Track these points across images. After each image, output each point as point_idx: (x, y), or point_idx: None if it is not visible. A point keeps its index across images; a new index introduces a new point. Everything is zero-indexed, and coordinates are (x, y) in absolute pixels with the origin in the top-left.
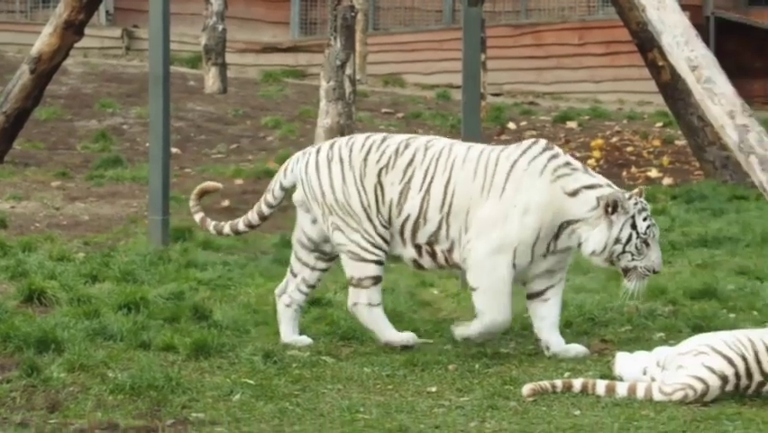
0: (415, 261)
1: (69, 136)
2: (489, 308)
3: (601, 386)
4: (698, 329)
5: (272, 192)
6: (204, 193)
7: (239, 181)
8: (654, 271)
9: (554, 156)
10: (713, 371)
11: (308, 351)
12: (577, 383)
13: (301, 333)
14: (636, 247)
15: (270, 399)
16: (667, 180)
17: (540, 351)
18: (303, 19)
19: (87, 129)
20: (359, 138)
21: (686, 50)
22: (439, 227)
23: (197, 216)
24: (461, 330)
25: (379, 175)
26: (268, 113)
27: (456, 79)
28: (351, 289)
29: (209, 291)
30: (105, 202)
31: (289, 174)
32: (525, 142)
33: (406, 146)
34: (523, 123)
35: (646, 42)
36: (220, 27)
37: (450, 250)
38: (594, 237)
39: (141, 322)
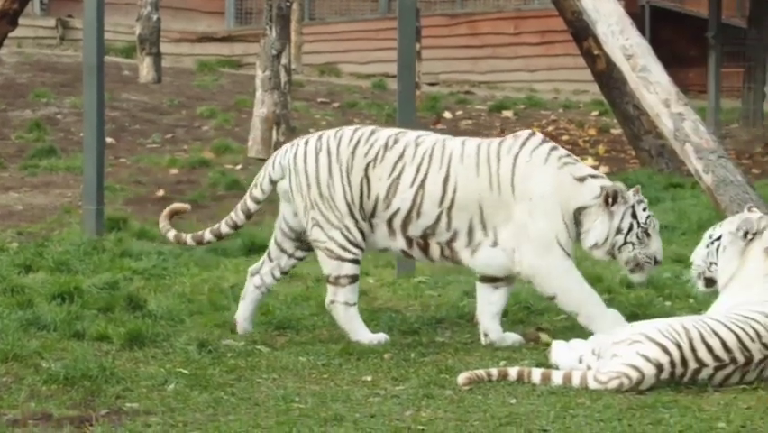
0: (404, 252)
1: (3, 126)
2: (578, 305)
3: (537, 374)
4: (634, 317)
5: (260, 186)
6: (173, 214)
7: (174, 171)
8: (657, 261)
9: (555, 147)
10: (648, 359)
11: (243, 340)
12: (513, 372)
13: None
14: (638, 237)
15: (205, 388)
16: (603, 169)
17: (475, 340)
18: (238, 9)
19: (22, 119)
20: (347, 131)
21: (621, 38)
22: (437, 221)
23: (170, 235)
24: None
25: (366, 169)
26: (203, 102)
27: (392, 69)
28: (329, 286)
29: (144, 281)
30: (39, 192)
31: (278, 166)
32: (522, 134)
33: (396, 141)
34: (459, 112)
35: (581, 32)
36: (154, 17)
37: (451, 241)
38: (596, 229)
39: (75, 312)
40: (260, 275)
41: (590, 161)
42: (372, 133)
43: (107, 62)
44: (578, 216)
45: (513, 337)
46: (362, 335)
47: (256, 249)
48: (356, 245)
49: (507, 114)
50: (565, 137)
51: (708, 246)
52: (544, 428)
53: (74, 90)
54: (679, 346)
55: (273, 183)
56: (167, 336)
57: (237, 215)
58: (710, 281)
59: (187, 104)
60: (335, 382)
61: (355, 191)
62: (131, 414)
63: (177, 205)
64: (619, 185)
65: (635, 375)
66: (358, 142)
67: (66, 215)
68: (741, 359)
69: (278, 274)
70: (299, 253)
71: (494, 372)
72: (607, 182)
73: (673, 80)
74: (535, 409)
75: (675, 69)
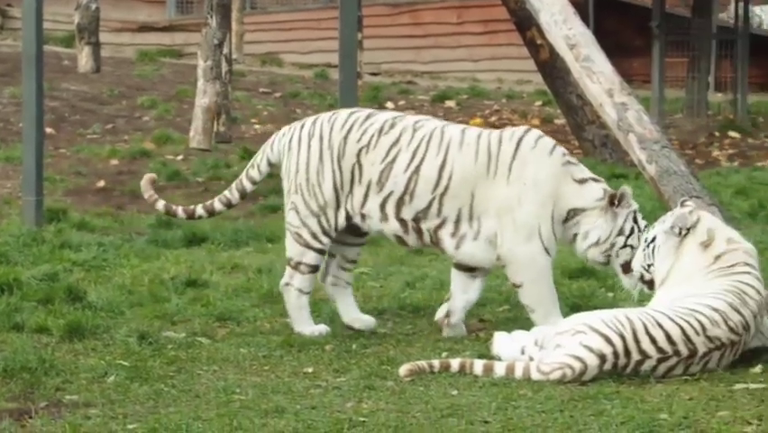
0: (398, 237)
1: None
2: (539, 300)
3: (479, 366)
4: (576, 308)
5: (257, 167)
6: (153, 181)
7: (114, 162)
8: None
9: (557, 144)
10: (591, 350)
11: (184, 332)
12: (455, 363)
13: (175, 314)
14: (637, 241)
15: (145, 380)
16: None
17: (417, 331)
18: None
19: None
20: (342, 114)
21: (564, 28)
22: (429, 206)
23: (159, 205)
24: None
25: (358, 155)
26: (144, 92)
27: (334, 59)
28: (288, 268)
29: (83, 272)
30: None
31: (275, 149)
32: (523, 127)
33: (392, 125)
34: (401, 102)
35: (525, 21)
36: (93, 6)
37: (439, 227)
38: (599, 227)
39: (15, 304)
40: (331, 275)
41: None
42: (368, 117)
43: (47, 52)
44: (571, 217)
45: (461, 330)
46: (305, 327)
47: (197, 240)
48: (328, 235)
49: (450, 104)
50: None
51: (644, 250)
52: (485, 419)
53: (13, 80)
54: (622, 337)
55: (270, 165)
56: (107, 327)
57: (232, 193)
58: (651, 283)
59: (128, 94)
60: (276, 373)
61: (346, 177)
62: (70, 406)
63: (150, 174)
64: (626, 189)
65: (577, 366)
66: (351, 127)
67: (5, 206)
68: (685, 352)
69: (347, 265)
70: (357, 240)
71: (436, 363)
72: (608, 187)
73: (617, 70)
74: (477, 400)
75: (619, 59)
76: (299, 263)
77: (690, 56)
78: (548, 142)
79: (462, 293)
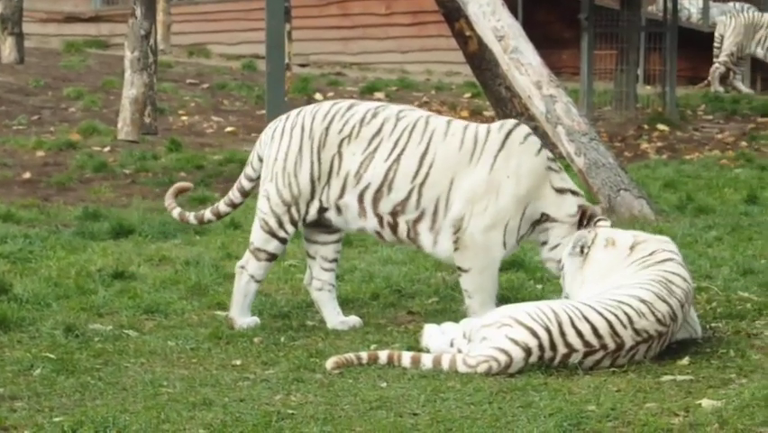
0: (377, 232)
1: None
2: (481, 288)
3: (407, 358)
4: (505, 300)
5: (251, 164)
6: (179, 192)
7: (40, 153)
8: None
9: (544, 146)
10: (516, 343)
11: (111, 325)
12: (383, 355)
13: (102, 307)
14: None
15: (72, 373)
16: None
17: None
18: None
19: None
20: (324, 105)
21: (492, 19)
22: (408, 197)
23: (175, 213)
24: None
25: (339, 146)
26: (70, 84)
27: (262, 50)
28: (248, 252)
29: (9, 265)
30: None
31: (262, 141)
32: (513, 120)
33: (374, 115)
34: (330, 93)
35: (453, 12)
36: None
37: (417, 221)
38: (564, 247)
39: None
40: (315, 278)
41: None
42: (350, 107)
43: None
44: (544, 221)
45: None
46: (239, 315)
47: (124, 232)
48: (294, 225)
49: (379, 95)
50: None
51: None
52: (414, 411)
53: None
54: (548, 330)
55: (261, 159)
56: (33, 320)
57: (234, 193)
58: None
59: (54, 85)
60: (204, 366)
61: (324, 168)
62: None
63: (181, 184)
64: (595, 209)
65: (503, 359)
66: (333, 117)
67: None
68: (612, 345)
69: (328, 266)
70: (331, 237)
71: (364, 355)
72: (584, 201)
73: (546, 62)
74: (406, 392)
75: (548, 51)
76: (260, 249)
77: (618, 48)
78: (536, 141)
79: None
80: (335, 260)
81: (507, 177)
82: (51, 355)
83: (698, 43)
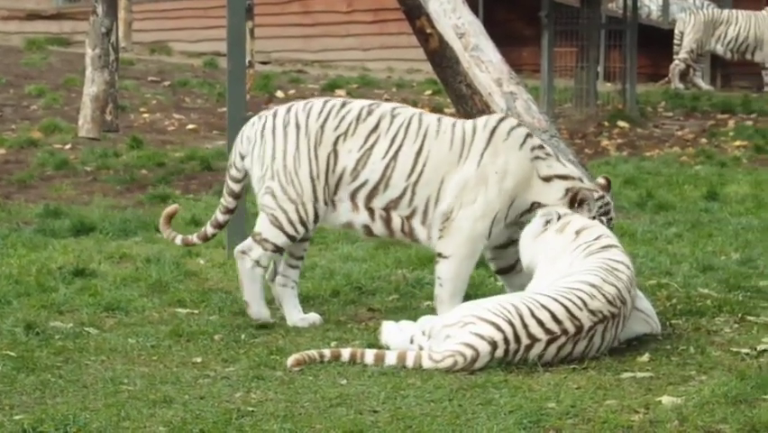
0: (366, 226)
1: None
2: (456, 277)
3: (370, 355)
4: (465, 297)
5: (234, 165)
6: (170, 218)
7: (1, 151)
8: None
9: (530, 135)
10: (482, 337)
11: (71, 322)
12: (345, 353)
13: (63, 304)
14: None
15: (32, 371)
16: None
17: None
18: None
19: None
20: (317, 103)
21: (453, 17)
22: (402, 194)
23: (178, 240)
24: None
25: (335, 143)
26: (31, 81)
27: (224, 47)
28: (250, 239)
29: None
30: None
31: (245, 140)
32: (497, 114)
33: (369, 112)
34: (291, 91)
35: (414, 10)
36: None
37: (410, 217)
38: None
39: None
40: (280, 274)
41: None
42: (343, 105)
43: None
44: (532, 209)
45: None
46: (253, 301)
47: (85, 230)
48: (304, 225)
49: (341, 93)
50: None
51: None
52: (374, 408)
53: None
54: (510, 323)
55: (243, 158)
56: None
57: (226, 199)
58: None
59: (15, 82)
60: (165, 363)
61: (321, 166)
62: None
63: (169, 209)
64: (588, 192)
65: (469, 353)
66: (328, 115)
67: None
68: (572, 329)
69: (294, 262)
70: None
71: (327, 352)
72: (576, 184)
73: (507, 60)
74: (366, 389)
75: (509, 49)
76: (266, 240)
77: (579, 46)
78: (520, 133)
79: (520, 289)
80: (302, 257)
81: (494, 173)
82: (12, 353)
83: (658, 40)
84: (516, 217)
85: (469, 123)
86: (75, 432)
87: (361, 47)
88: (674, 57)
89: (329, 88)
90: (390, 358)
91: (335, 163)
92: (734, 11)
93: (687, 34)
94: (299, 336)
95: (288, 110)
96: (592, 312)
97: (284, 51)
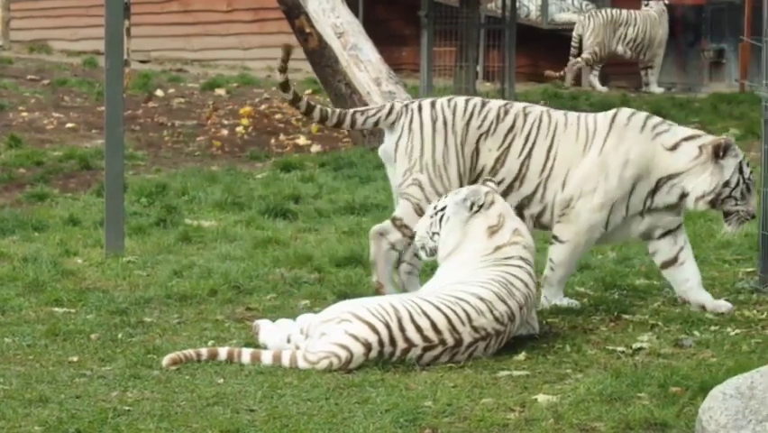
0: None
1: None
2: (569, 262)
3: (246, 354)
4: (343, 296)
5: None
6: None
7: None
8: (752, 216)
9: (650, 115)
10: (356, 338)
11: None
12: (222, 352)
13: None
14: (741, 192)
15: None
16: (315, 148)
17: (183, 320)
18: None
19: None
20: (460, 101)
21: (332, 16)
22: (535, 191)
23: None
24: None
25: (477, 141)
26: None
27: (103, 46)
28: (389, 224)
29: None
30: None
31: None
32: (617, 109)
33: (506, 112)
34: (171, 90)
35: (294, 9)
36: None
37: (540, 215)
38: (704, 181)
39: None
40: (406, 262)
41: (303, 139)
42: (484, 104)
43: None
44: (663, 183)
45: (727, 305)
46: (387, 281)
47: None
48: None
49: (220, 92)
50: (278, 116)
51: (431, 217)
52: (251, 407)
53: None
54: (387, 326)
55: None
56: None
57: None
58: (433, 251)
59: None
60: (41, 362)
61: (467, 163)
62: None
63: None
64: (730, 139)
65: (343, 354)
66: (472, 113)
67: None
68: (450, 341)
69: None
70: None
71: (204, 351)
72: (707, 139)
73: (386, 59)
74: (243, 388)
75: (388, 48)
76: (406, 226)
77: (458, 45)
78: (639, 117)
79: (684, 283)
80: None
81: (615, 160)
82: None
83: (537, 40)
84: (644, 204)
85: (591, 115)
86: None
87: (241, 46)
88: (571, 57)
89: (209, 87)
90: (266, 358)
91: (477, 161)
92: (632, 11)
93: (587, 38)
94: (176, 336)
95: (433, 105)
96: (475, 329)
97: (164, 50)
